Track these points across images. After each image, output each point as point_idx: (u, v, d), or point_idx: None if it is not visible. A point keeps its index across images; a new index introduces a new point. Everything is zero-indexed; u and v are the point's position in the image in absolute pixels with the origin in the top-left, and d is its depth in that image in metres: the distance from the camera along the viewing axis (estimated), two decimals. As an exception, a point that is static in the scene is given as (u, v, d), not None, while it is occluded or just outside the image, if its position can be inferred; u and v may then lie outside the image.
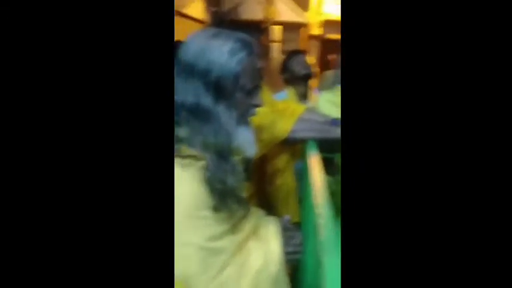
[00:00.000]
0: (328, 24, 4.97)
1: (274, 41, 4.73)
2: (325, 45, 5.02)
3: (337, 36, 4.92)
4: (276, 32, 4.78)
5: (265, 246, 0.71)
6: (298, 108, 1.09)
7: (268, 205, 1.01)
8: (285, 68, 1.78)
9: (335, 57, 4.48)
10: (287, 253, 0.72)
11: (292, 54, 1.81)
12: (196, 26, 4.14)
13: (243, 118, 0.69)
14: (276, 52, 4.68)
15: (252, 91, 0.68)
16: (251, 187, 0.95)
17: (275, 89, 1.78)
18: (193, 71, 0.64)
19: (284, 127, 0.92)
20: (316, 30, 4.96)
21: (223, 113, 0.65)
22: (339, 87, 1.27)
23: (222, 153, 0.65)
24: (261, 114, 0.75)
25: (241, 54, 0.65)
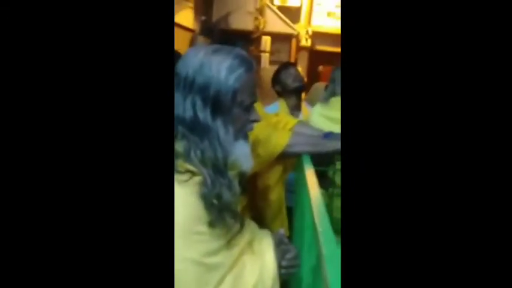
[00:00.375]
0: (317, 35, 5.05)
1: (263, 52, 4.77)
2: (314, 56, 5.09)
3: (326, 48, 5.00)
4: (264, 42, 4.82)
5: (260, 260, 0.71)
6: (291, 122, 1.10)
7: (260, 219, 1.01)
8: (276, 80, 1.79)
9: (325, 69, 4.54)
10: (282, 267, 0.72)
11: (284, 67, 1.82)
12: (186, 35, 4.14)
13: (241, 133, 0.69)
14: (265, 63, 4.71)
15: (250, 107, 0.69)
16: (244, 200, 0.95)
17: (265, 101, 1.79)
18: (192, 86, 0.64)
19: (279, 142, 0.92)
20: (305, 42, 5.03)
21: (221, 129, 0.65)
22: (333, 100, 1.28)
23: (219, 169, 0.65)
24: (257, 129, 0.76)
25: (240, 71, 0.65)
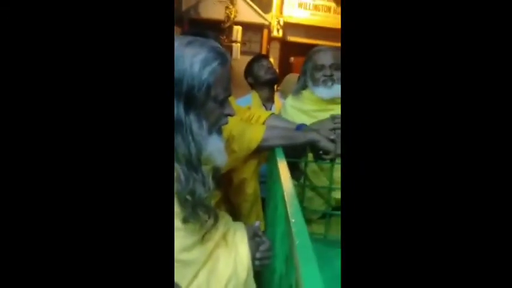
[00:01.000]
0: (288, 26, 5.06)
1: (235, 42, 4.72)
2: (286, 47, 5.11)
3: (297, 39, 5.03)
4: (236, 32, 4.77)
5: (234, 253, 0.72)
6: (263, 115, 1.10)
7: (236, 213, 1.01)
8: (249, 72, 1.79)
9: (297, 61, 4.57)
10: (256, 259, 0.74)
11: (256, 59, 1.83)
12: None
13: (214, 127, 0.69)
14: (236, 53, 4.67)
15: (224, 101, 0.69)
16: (218, 195, 0.95)
17: (237, 93, 1.79)
18: None
19: (254, 137, 0.92)
20: (276, 32, 5.03)
21: (194, 123, 0.65)
22: (304, 93, 1.30)
23: (192, 164, 0.65)
24: (230, 124, 0.76)
25: (214, 65, 0.65)
